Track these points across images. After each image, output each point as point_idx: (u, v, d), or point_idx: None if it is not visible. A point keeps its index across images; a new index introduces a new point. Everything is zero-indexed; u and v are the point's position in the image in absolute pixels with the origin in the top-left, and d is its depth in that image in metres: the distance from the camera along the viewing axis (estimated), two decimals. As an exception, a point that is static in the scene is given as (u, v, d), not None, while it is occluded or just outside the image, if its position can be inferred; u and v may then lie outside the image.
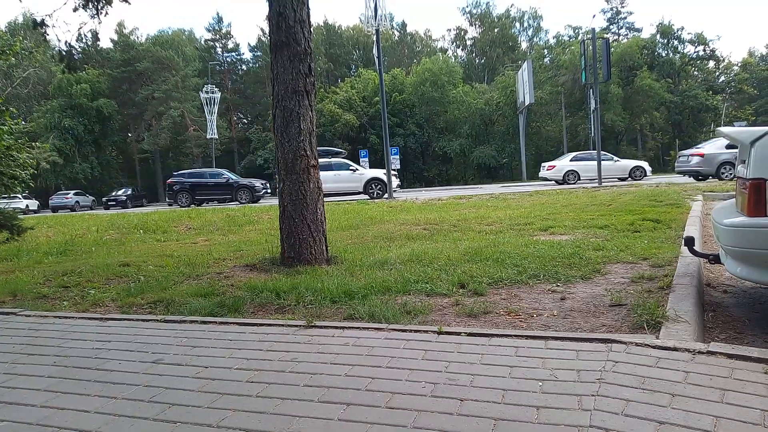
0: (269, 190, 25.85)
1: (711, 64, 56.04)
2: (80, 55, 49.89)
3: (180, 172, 26.65)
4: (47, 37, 8.30)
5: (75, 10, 7.30)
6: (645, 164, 24.50)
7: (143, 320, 3.55)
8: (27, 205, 34.41)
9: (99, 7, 7.38)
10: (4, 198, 9.87)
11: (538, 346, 2.57)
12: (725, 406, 1.88)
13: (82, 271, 5.62)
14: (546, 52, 55.23)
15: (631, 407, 1.89)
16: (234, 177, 25.57)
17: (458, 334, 2.82)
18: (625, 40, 52.68)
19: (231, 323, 3.33)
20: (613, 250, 5.06)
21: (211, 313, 3.62)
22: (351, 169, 20.92)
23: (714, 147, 17.84)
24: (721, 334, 3.01)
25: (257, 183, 24.97)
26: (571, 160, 23.82)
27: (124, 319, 3.60)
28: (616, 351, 2.43)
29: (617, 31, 56.79)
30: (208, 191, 24.19)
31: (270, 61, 5.46)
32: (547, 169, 23.89)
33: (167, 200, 25.28)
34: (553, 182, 23.81)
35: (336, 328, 3.08)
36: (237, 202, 23.13)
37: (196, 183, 24.22)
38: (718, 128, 3.67)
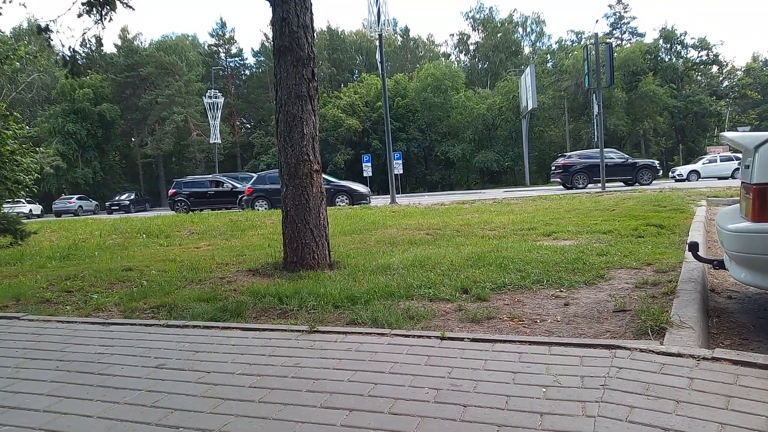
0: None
1: (714, 68, 55.98)
2: (84, 60, 50.30)
3: (568, 154, 25.61)
4: (51, 42, 8.35)
5: (79, 15, 7.33)
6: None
7: (146, 325, 3.55)
8: (30, 210, 34.52)
9: (103, 13, 7.41)
10: (8, 202, 9.90)
11: (542, 351, 2.56)
12: (730, 412, 1.86)
13: (84, 275, 5.62)
14: (549, 57, 55.28)
15: (636, 414, 1.88)
16: (630, 158, 24.63)
17: (461, 339, 2.81)
18: (628, 45, 52.68)
19: (233, 328, 3.33)
20: (616, 255, 5.04)
21: (213, 318, 3.62)
22: None
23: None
24: (726, 340, 2.99)
25: (656, 162, 24.32)
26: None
27: (127, 324, 3.60)
28: (620, 357, 2.42)
29: (620, 36, 56.81)
30: (606, 172, 22.45)
31: (273, 66, 5.47)
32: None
33: (559, 181, 23.85)
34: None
35: (339, 333, 3.07)
36: (638, 184, 22.49)
37: (592, 164, 22.89)
38: (722, 133, 3.66)
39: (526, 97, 40.05)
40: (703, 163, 28.98)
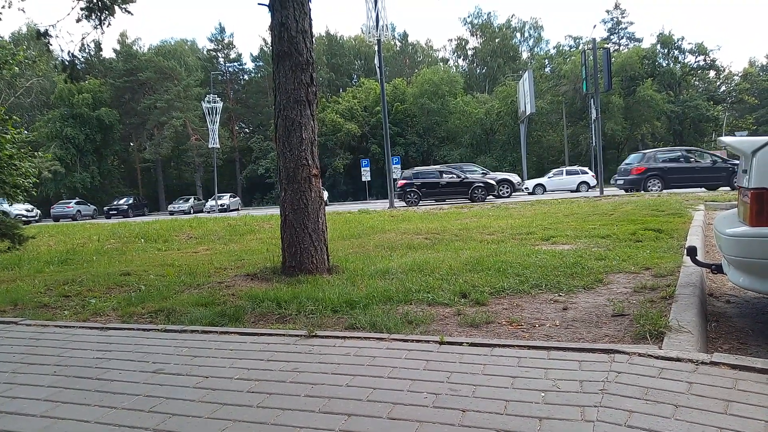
0: None
1: (712, 73, 56.16)
2: (83, 64, 50.18)
3: None
4: (50, 47, 8.37)
5: (78, 20, 7.36)
6: None
7: (144, 330, 3.54)
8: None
9: (102, 18, 7.43)
10: (19, 202, 9.86)
11: (541, 356, 2.56)
12: (729, 417, 1.86)
13: (82, 280, 5.61)
14: (547, 62, 55.42)
15: (635, 418, 1.88)
16: None
17: (460, 344, 2.81)
18: (626, 50, 52.85)
19: (232, 333, 3.33)
20: (615, 259, 5.05)
21: (211, 322, 3.62)
22: None
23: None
24: (725, 345, 2.99)
25: None
26: None
27: (125, 329, 3.59)
28: (618, 362, 2.42)
29: (618, 41, 57.00)
30: None
31: (272, 70, 5.48)
32: None
33: None
34: None
35: (337, 337, 3.07)
36: None
37: None
38: (720, 138, 3.67)
39: (525, 101, 40.10)
40: (549, 177, 30.43)
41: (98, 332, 3.56)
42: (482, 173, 24.72)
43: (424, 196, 22.24)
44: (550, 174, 31.01)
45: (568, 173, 29.92)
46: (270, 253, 6.56)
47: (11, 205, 10.84)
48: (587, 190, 27.39)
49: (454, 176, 22.04)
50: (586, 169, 31.31)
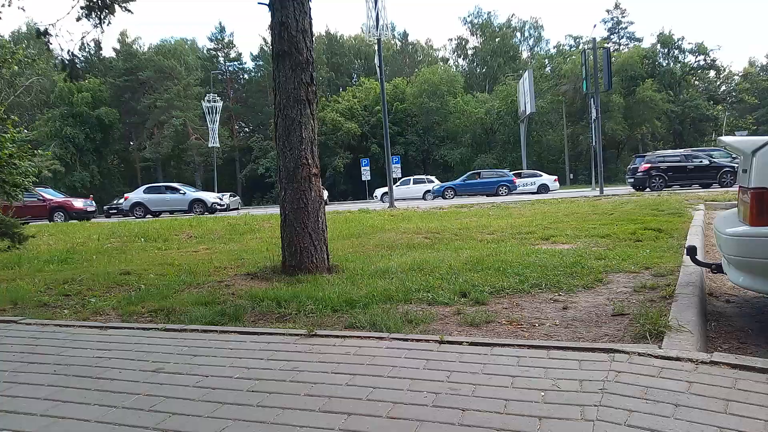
0: None
1: (712, 73, 56.19)
2: (82, 63, 50.21)
3: None
4: (50, 46, 8.35)
5: (78, 19, 7.35)
6: None
7: (144, 329, 3.53)
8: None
9: (102, 17, 7.42)
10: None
11: (541, 355, 2.56)
12: (729, 416, 1.86)
13: (82, 279, 5.61)
14: (547, 62, 55.47)
15: (634, 418, 1.88)
16: None
17: (460, 343, 2.80)
18: (626, 50, 52.85)
19: (232, 332, 3.32)
20: (615, 259, 5.04)
21: (211, 321, 3.61)
22: None
23: None
24: (724, 344, 2.99)
25: None
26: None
27: (125, 328, 3.58)
28: (618, 361, 2.42)
29: (618, 41, 57.02)
30: None
31: (272, 70, 5.48)
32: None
33: None
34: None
35: (337, 337, 3.07)
36: None
37: None
38: (720, 138, 3.67)
39: (525, 101, 40.15)
40: (397, 186, 31.51)
41: (98, 331, 3.55)
42: (731, 158, 23.17)
43: (670, 181, 21.18)
44: (398, 183, 32.20)
45: (415, 182, 31.84)
46: (270, 252, 6.56)
47: None
48: (432, 199, 28.78)
49: (702, 160, 21.13)
50: (432, 177, 33.32)
